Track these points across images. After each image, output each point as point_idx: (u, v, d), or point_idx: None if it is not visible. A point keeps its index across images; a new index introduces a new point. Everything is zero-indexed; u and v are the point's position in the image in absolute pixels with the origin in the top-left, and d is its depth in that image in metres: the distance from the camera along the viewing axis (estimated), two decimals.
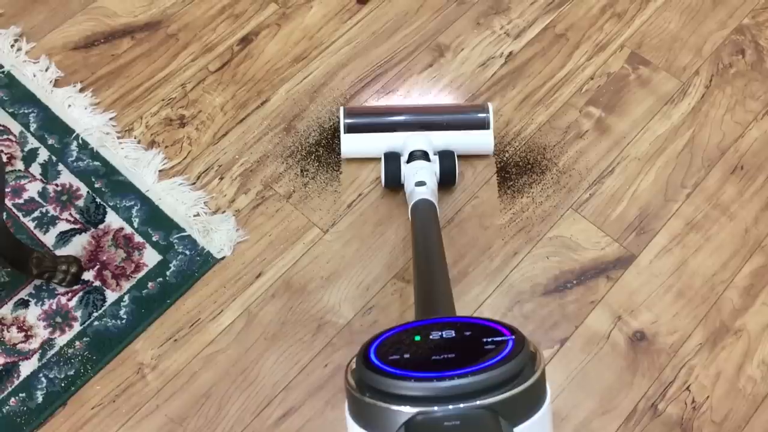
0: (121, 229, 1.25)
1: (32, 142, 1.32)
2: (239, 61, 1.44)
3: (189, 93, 1.40)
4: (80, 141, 1.33)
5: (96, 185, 1.29)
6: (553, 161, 1.35)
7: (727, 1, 1.52)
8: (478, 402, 0.67)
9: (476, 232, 1.27)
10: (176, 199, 1.28)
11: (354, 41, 1.47)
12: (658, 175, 1.33)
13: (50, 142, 1.33)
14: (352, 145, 1.31)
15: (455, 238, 1.27)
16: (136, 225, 1.25)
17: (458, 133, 1.31)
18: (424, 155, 1.27)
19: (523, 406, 0.69)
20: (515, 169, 1.34)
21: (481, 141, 1.32)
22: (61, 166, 1.30)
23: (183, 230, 1.26)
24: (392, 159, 1.28)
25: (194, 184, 1.31)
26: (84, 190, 1.28)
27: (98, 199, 1.27)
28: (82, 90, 1.39)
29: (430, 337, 0.76)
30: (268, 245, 1.26)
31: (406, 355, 0.73)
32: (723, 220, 1.29)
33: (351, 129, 1.31)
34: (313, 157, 1.34)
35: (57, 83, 1.40)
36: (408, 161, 1.27)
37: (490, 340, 0.73)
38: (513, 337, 0.73)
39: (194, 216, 1.27)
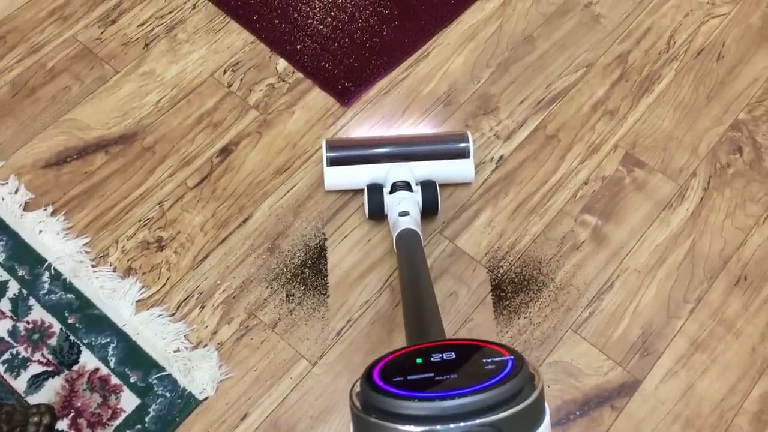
0: (97, 369, 1.18)
1: (1, 274, 1.25)
2: (219, 175, 1.38)
3: (167, 212, 1.34)
4: (52, 271, 1.26)
5: (69, 321, 1.22)
6: (550, 276, 1.29)
7: (721, 95, 1.48)
8: (480, 420, 0.71)
9: None
10: (155, 334, 1.21)
11: None
12: (659, 289, 1.28)
13: (20, 273, 1.25)
14: (335, 178, 1.33)
15: None
16: (112, 365, 1.18)
17: (439, 162, 1.33)
18: (407, 186, 1.29)
19: (524, 423, 0.73)
20: (511, 287, 1.28)
21: (462, 170, 1.34)
22: (32, 301, 1.23)
23: (163, 369, 1.18)
24: (375, 190, 1.30)
25: (174, 315, 1.24)
26: (57, 326, 1.21)
27: (72, 337, 1.20)
28: (53, 213, 1.32)
29: (431, 359, 0.80)
30: (254, 382, 1.19)
31: (410, 377, 0.77)
32: (729, 337, 1.24)
33: (334, 162, 1.32)
34: (298, 279, 1.28)
35: (27, 206, 1.32)
36: (391, 192, 1.29)
37: (489, 360, 0.77)
38: (512, 357, 0.77)
39: (174, 352, 1.20)
